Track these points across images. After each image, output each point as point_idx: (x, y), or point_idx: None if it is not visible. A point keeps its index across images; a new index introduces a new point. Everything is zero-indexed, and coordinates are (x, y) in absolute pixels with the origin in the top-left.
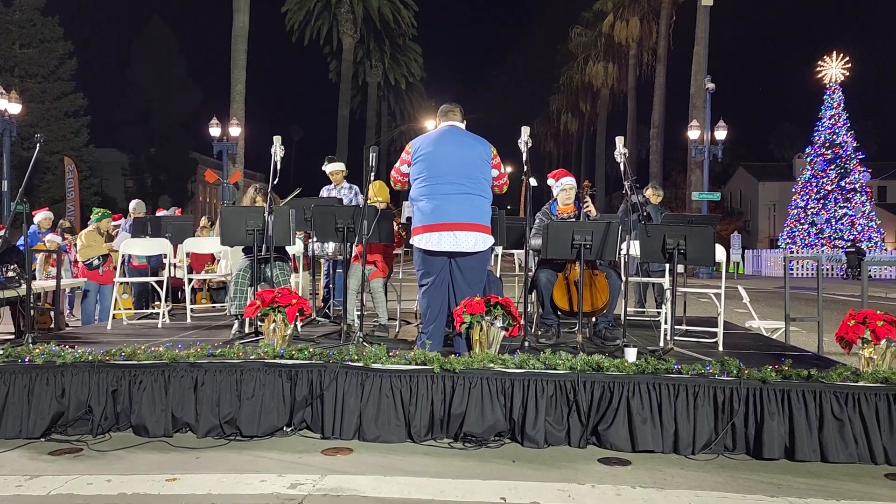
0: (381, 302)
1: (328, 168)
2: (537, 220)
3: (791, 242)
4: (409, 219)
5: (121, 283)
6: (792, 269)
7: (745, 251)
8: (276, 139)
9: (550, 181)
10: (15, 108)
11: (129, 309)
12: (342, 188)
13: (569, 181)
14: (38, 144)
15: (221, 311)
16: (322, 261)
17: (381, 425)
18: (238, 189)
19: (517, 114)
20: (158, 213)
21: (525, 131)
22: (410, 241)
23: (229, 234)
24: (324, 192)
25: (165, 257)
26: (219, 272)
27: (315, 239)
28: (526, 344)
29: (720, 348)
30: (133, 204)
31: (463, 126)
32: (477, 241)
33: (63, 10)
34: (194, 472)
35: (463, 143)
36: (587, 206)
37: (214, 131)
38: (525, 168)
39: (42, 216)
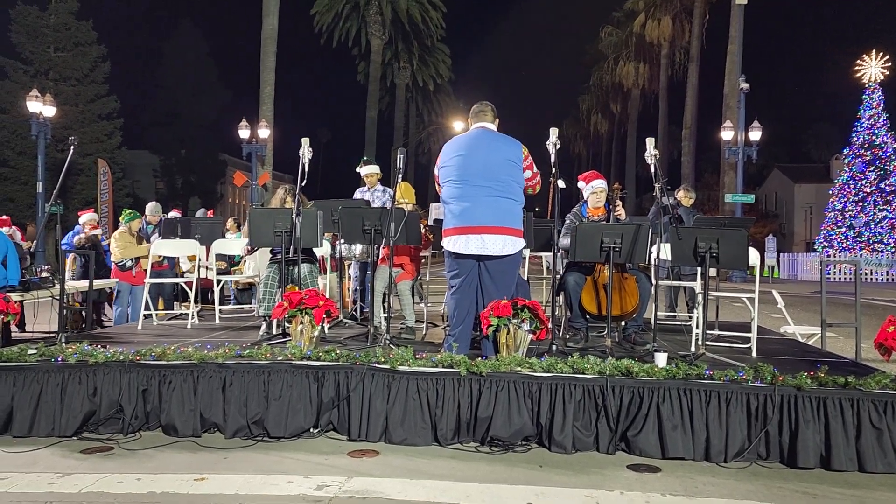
0: (408, 304)
1: (363, 171)
2: (567, 222)
3: (828, 246)
4: (436, 221)
5: (152, 284)
6: (829, 274)
7: (781, 255)
8: (305, 141)
9: (581, 184)
10: (50, 111)
11: (164, 310)
12: (375, 191)
13: (599, 184)
14: (72, 147)
15: (250, 313)
16: (351, 262)
17: (408, 428)
18: (266, 191)
19: (546, 115)
20: (173, 214)
21: (553, 133)
22: (441, 243)
23: (258, 236)
24: (357, 195)
25: (181, 259)
26: (246, 273)
27: (343, 241)
28: (554, 347)
29: (754, 354)
30: (150, 207)
31: (494, 126)
32: (505, 245)
33: (97, 13)
34: (222, 472)
35: (492, 145)
36: (617, 209)
37: (243, 133)
38: (553, 170)
39: (88, 217)
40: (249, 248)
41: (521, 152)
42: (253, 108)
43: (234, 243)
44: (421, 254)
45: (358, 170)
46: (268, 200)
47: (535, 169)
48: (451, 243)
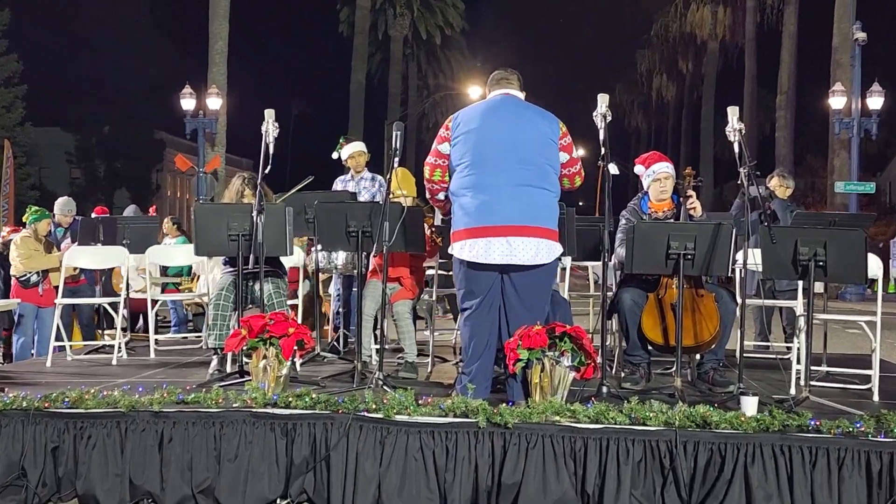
0: (407, 332)
1: (344, 152)
2: (621, 221)
3: None
4: (446, 220)
5: (64, 306)
6: None
7: None
8: (269, 114)
9: (639, 168)
10: None
11: (82, 341)
12: (363, 179)
13: (664, 168)
14: None
15: (196, 344)
16: (332, 276)
17: (408, 498)
18: (218, 181)
19: (592, 77)
20: (96, 215)
21: (603, 101)
22: (449, 251)
23: (206, 241)
24: (338, 185)
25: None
26: (196, 291)
27: (320, 247)
28: (604, 390)
29: (875, 398)
30: (60, 204)
31: (522, 97)
32: (538, 251)
33: None
34: None
35: (521, 116)
36: (690, 203)
37: (187, 104)
38: (603, 151)
39: None
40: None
41: (558, 128)
42: (200, 70)
43: (174, 252)
44: (425, 264)
45: (335, 153)
46: (219, 193)
47: (574, 153)
48: (464, 250)
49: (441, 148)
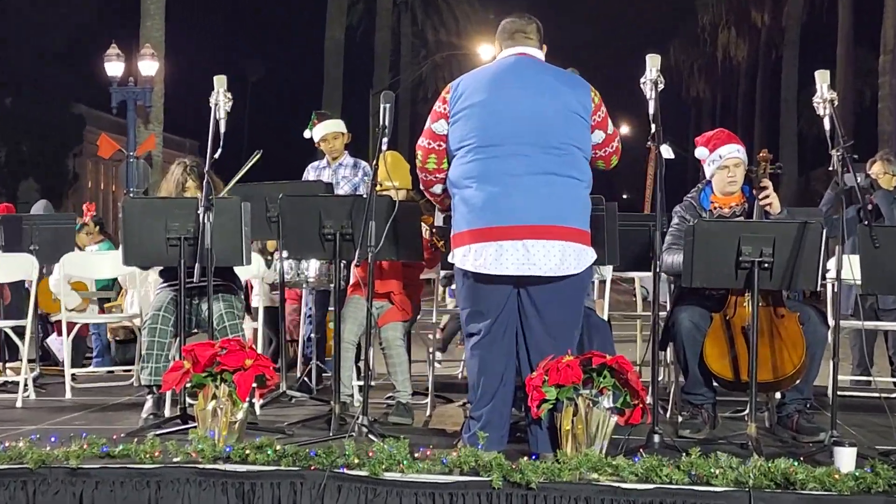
0: (399, 363)
1: (317, 132)
2: (674, 220)
3: None
4: (448, 217)
5: None
6: None
7: None
8: (220, 82)
9: (700, 151)
10: None
11: None
12: (341, 166)
13: (734, 152)
14: None
15: (126, 378)
16: (302, 292)
17: None
18: (153, 168)
19: (637, 34)
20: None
21: (653, 63)
22: (450, 259)
23: (138, 247)
24: (309, 174)
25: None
26: (126, 311)
27: (286, 254)
28: (656, 439)
29: None
30: None
31: (542, 56)
32: (564, 258)
33: None
34: None
35: (541, 83)
36: (765, 195)
37: (113, 69)
38: (653, 128)
39: None
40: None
41: (590, 98)
42: (130, 26)
43: (95, 261)
44: (423, 276)
45: (308, 132)
46: (155, 185)
47: (609, 129)
48: (468, 258)
49: (436, 127)
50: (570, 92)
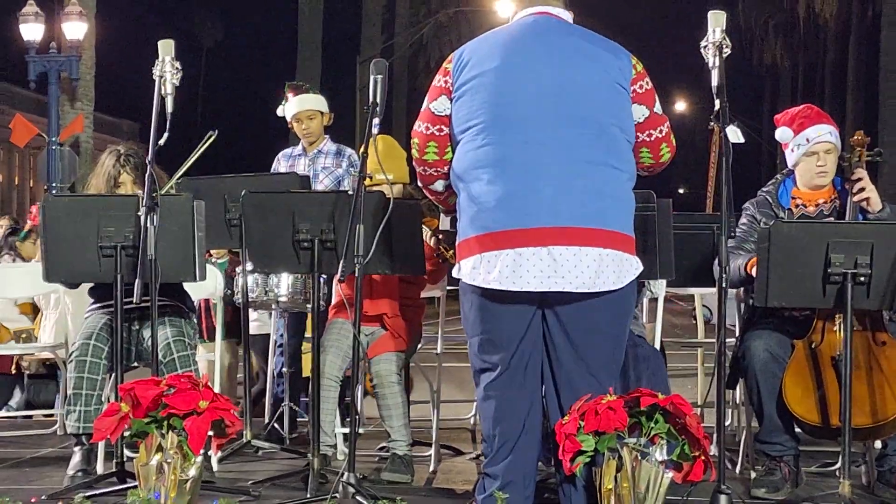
0: (395, 405)
1: (289, 108)
2: (743, 219)
3: None
4: (456, 220)
5: None
6: None
7: None
8: (166, 48)
9: (782, 133)
10: None
11: None
12: (321, 154)
13: (824, 134)
14: None
15: (46, 427)
16: (271, 313)
17: None
18: (81, 157)
19: None
20: None
21: (716, 22)
22: (454, 273)
23: (62, 258)
24: (280, 164)
25: None
26: (41, 341)
27: (250, 266)
28: (723, 500)
29: None
30: None
31: (570, 18)
32: (601, 269)
33: None
34: None
35: (569, 49)
36: (860, 188)
37: (30, 31)
38: (717, 104)
39: None
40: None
41: (629, 67)
42: None
43: (10, 275)
44: (425, 294)
45: (281, 110)
46: (83, 178)
47: (656, 107)
48: (477, 270)
49: (436, 106)
50: (606, 58)
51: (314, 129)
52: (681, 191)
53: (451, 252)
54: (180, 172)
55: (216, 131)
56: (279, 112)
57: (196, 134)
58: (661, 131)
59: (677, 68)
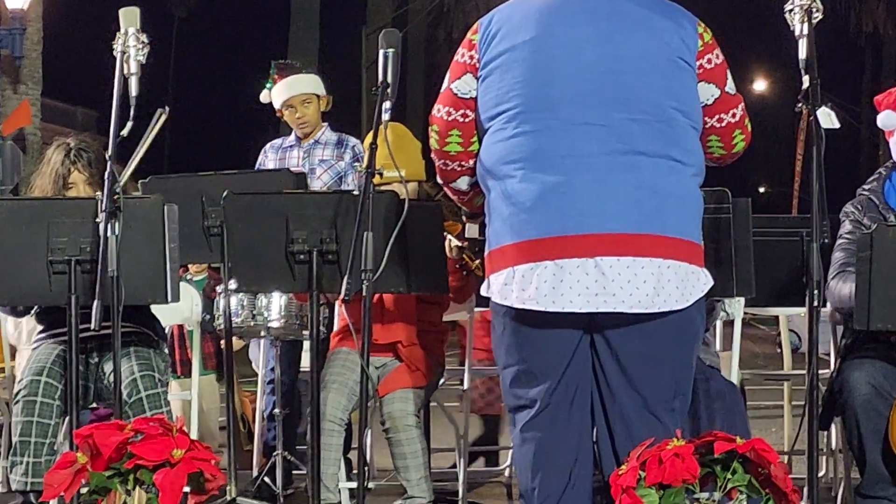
0: (412, 453)
1: (277, 93)
2: (846, 226)
3: None
4: (483, 223)
5: None
6: None
7: None
8: (128, 18)
9: (886, 117)
10: None
11: None
12: (317, 144)
13: None
14: None
15: None
16: (260, 342)
17: None
18: (27, 153)
19: None
20: None
21: None
22: (483, 290)
23: (2, 276)
24: (268, 157)
25: None
26: None
27: (233, 285)
28: None
29: None
30: None
31: None
32: (662, 283)
33: None
34: None
35: (621, 14)
36: None
37: None
38: (805, 82)
39: None
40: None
41: (696, 36)
42: None
43: None
44: (448, 316)
45: (266, 95)
46: (28, 178)
47: (728, 86)
48: (510, 286)
49: (459, 86)
50: (668, 24)
51: (310, 117)
52: (760, 189)
53: (477, 262)
54: (133, 164)
55: (166, 108)
56: (263, 98)
57: (167, 122)
58: (733, 115)
59: (754, 37)
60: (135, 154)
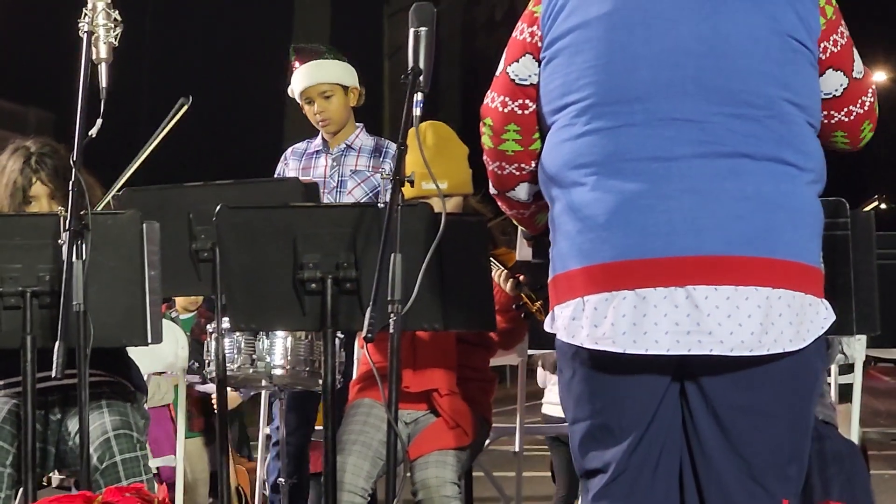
0: None
1: (298, 81)
2: None
3: None
4: (543, 244)
5: None
6: None
7: None
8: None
9: None
10: None
11: None
12: (350, 149)
13: None
14: None
15: None
16: (262, 394)
17: None
18: None
19: None
20: None
21: None
22: (548, 326)
23: None
24: (289, 168)
25: None
26: None
27: (227, 324)
28: None
29: None
30: None
31: None
32: (770, 319)
33: None
34: None
35: None
36: None
37: None
38: None
39: None
40: None
41: (815, 12)
42: None
43: None
44: (496, 362)
45: (292, 85)
46: None
47: (858, 69)
48: (580, 322)
49: (518, 70)
50: None
51: (333, 114)
52: (881, 204)
53: (539, 304)
54: (130, 171)
55: (189, 98)
56: (290, 92)
57: (144, 119)
58: (862, 104)
59: (872, 19)
60: (141, 152)
